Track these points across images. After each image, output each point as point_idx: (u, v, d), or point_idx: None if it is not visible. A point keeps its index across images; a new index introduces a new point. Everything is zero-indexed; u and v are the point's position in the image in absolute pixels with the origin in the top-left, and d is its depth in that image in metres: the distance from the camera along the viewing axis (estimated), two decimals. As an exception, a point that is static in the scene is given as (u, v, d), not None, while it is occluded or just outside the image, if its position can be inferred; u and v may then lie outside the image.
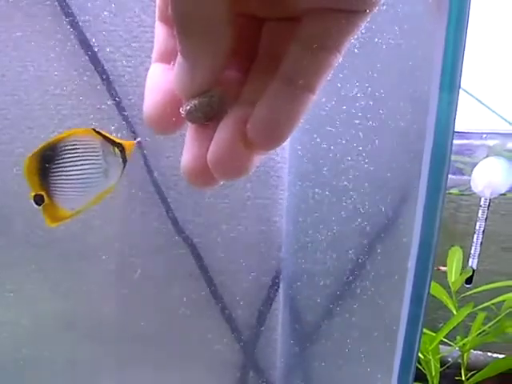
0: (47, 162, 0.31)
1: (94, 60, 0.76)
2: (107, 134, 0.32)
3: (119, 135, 0.78)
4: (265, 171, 0.84)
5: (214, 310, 0.89)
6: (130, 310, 0.87)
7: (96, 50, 0.76)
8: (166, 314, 0.88)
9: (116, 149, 0.32)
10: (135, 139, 0.73)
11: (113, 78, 0.77)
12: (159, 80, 0.33)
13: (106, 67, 0.77)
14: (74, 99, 0.77)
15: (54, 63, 0.75)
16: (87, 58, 0.76)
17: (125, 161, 0.32)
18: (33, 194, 0.31)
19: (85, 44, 0.76)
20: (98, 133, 0.31)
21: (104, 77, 0.77)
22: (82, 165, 0.31)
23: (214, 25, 0.28)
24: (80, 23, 0.75)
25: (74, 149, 0.31)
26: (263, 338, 0.93)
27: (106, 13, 0.75)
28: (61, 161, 0.31)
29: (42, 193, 0.31)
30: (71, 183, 0.31)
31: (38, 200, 0.31)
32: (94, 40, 0.76)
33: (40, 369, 0.86)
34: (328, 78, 0.30)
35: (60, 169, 0.31)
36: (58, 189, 0.31)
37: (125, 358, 0.89)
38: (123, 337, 0.87)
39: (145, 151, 0.80)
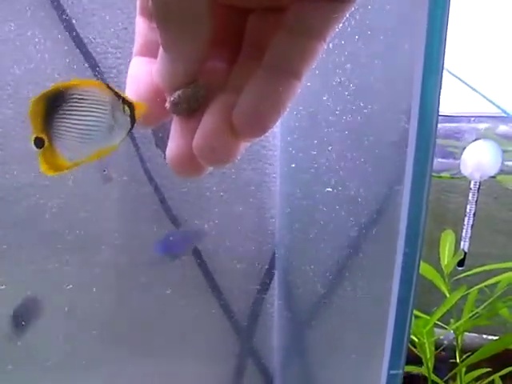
0: (53, 106, 0.31)
1: (85, 52, 0.76)
2: (119, 91, 0.32)
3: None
4: (257, 159, 0.84)
5: (209, 298, 0.89)
6: (125, 300, 0.87)
7: (86, 42, 0.76)
8: (162, 304, 0.88)
9: (126, 107, 0.32)
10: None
11: (104, 69, 0.78)
12: (141, 73, 0.33)
13: (96, 59, 0.77)
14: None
15: (44, 56, 0.75)
16: (77, 50, 0.76)
17: (133, 121, 0.32)
18: (33, 136, 0.31)
19: (75, 37, 0.76)
20: (110, 88, 0.31)
21: (95, 68, 0.77)
22: (87, 116, 0.31)
23: (193, 16, 0.28)
24: (69, 16, 0.75)
25: (82, 98, 0.31)
26: (259, 324, 0.94)
27: (94, 5, 0.75)
28: (67, 108, 0.31)
29: (43, 136, 0.31)
30: (73, 132, 0.31)
31: (38, 143, 0.31)
32: (83, 32, 0.76)
33: (38, 359, 0.86)
34: (313, 65, 0.30)
35: (65, 115, 0.31)
36: (60, 135, 0.31)
37: (122, 349, 0.89)
38: (120, 327, 0.88)
39: (137, 141, 0.81)
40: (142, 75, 0.33)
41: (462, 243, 0.91)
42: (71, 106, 0.30)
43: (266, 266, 0.91)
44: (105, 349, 0.89)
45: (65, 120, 0.31)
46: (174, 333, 0.91)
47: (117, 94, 0.31)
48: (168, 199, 0.84)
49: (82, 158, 0.32)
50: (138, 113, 0.32)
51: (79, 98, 0.31)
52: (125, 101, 0.31)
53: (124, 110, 0.31)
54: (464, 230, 0.89)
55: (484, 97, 0.81)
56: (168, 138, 0.32)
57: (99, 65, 0.77)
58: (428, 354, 0.89)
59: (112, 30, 0.77)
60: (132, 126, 0.32)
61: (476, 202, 0.88)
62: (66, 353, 0.87)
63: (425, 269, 0.90)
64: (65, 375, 0.88)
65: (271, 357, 0.97)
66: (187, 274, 0.88)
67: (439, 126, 0.55)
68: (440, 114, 0.54)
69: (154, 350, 0.90)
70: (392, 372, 0.64)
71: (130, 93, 0.33)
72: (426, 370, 0.91)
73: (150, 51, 0.33)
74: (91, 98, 0.31)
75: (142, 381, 0.93)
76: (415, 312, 0.91)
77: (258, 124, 0.29)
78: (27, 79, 0.76)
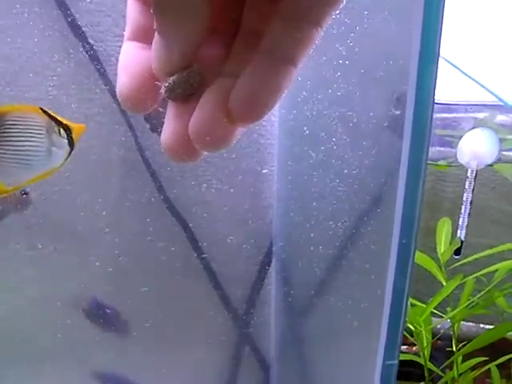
0: None
1: (84, 40, 0.76)
2: (55, 115, 0.31)
3: (109, 113, 0.79)
4: (255, 147, 0.85)
5: (207, 287, 0.90)
6: (122, 288, 0.87)
7: (85, 30, 0.76)
8: (159, 293, 0.88)
9: (62, 130, 0.31)
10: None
11: (102, 58, 0.78)
12: (133, 58, 0.33)
13: (95, 47, 0.77)
14: (64, 80, 0.77)
15: (43, 45, 0.75)
16: (76, 38, 0.76)
17: (71, 143, 0.32)
18: None
19: (74, 24, 0.76)
20: (45, 112, 0.31)
21: (94, 57, 0.77)
22: (22, 141, 0.31)
23: (190, 2, 0.28)
24: (68, 4, 0.75)
25: (15, 124, 0.31)
26: (257, 313, 0.94)
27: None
28: (1, 134, 0.30)
29: None
30: (11, 158, 0.31)
31: None
32: (82, 20, 0.76)
33: (37, 351, 0.87)
34: (310, 52, 0.30)
35: (0, 142, 0.31)
36: None
37: (118, 337, 0.90)
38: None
39: (135, 130, 0.81)
40: (134, 61, 0.33)
41: (458, 231, 0.91)
42: (5, 132, 0.30)
43: (264, 254, 0.91)
44: (101, 336, 0.89)
45: (0, 147, 0.30)
46: (171, 321, 0.91)
47: (52, 118, 0.31)
48: (165, 188, 0.84)
49: (21, 183, 0.32)
50: (76, 135, 0.31)
51: (12, 124, 0.30)
52: (61, 124, 0.31)
53: (60, 133, 0.31)
54: (461, 219, 0.90)
55: (482, 86, 0.81)
56: (163, 120, 0.32)
57: (98, 53, 0.77)
58: (425, 343, 0.90)
59: (111, 17, 0.77)
60: (71, 148, 0.32)
61: (473, 190, 0.88)
62: (63, 341, 0.87)
63: (421, 258, 0.90)
64: (63, 363, 0.88)
65: (268, 345, 0.97)
66: (184, 262, 0.88)
67: (437, 115, 0.55)
68: (437, 102, 0.55)
69: (151, 338, 0.91)
70: (388, 362, 0.65)
71: (121, 78, 0.33)
72: (422, 358, 0.91)
73: (141, 36, 0.33)
74: (25, 124, 0.30)
75: (138, 369, 0.93)
76: (412, 301, 0.92)
77: (255, 110, 0.29)
78: (26, 68, 0.76)
